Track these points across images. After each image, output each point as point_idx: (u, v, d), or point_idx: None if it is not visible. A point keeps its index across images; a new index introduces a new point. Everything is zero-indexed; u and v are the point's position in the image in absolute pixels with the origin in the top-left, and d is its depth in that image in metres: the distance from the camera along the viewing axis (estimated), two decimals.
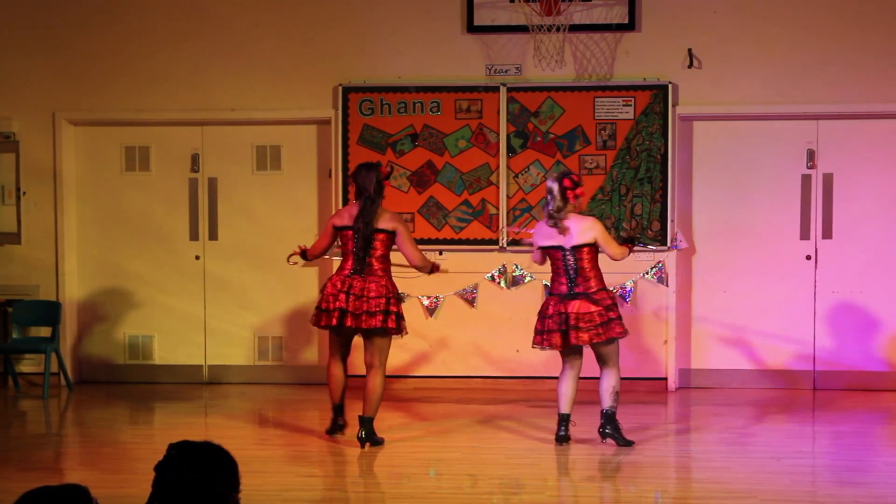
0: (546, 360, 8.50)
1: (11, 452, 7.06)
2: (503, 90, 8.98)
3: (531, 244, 7.22)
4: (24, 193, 9.40)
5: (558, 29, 8.77)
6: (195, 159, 9.42)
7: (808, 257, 9.05)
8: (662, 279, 8.93)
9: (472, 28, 9.01)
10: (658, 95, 8.87)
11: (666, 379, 9.03)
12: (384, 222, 6.94)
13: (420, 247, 8.97)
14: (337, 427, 7.19)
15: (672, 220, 8.89)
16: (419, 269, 7.19)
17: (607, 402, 6.92)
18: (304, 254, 7.30)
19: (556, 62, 8.84)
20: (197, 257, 9.45)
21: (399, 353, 9.08)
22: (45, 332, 9.18)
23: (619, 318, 6.88)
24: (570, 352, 6.96)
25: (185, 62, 9.25)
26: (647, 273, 8.93)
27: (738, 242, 9.08)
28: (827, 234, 9.04)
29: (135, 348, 9.52)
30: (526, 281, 8.92)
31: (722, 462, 6.63)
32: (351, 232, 6.94)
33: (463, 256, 9.06)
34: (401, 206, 9.01)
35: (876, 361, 9.00)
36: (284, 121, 9.24)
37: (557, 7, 8.76)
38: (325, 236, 7.20)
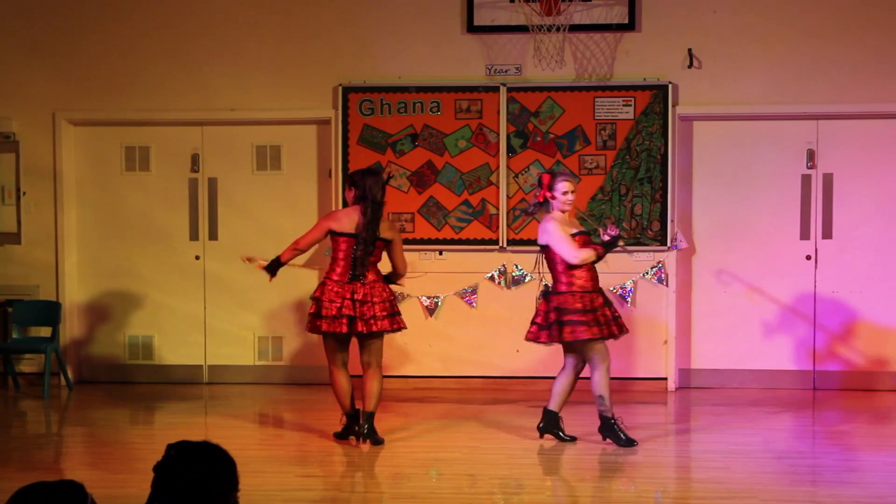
0: (546, 360, 8.50)
1: (11, 452, 7.06)
2: (503, 90, 8.98)
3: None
4: (24, 193, 9.40)
5: (558, 29, 8.77)
6: (195, 159, 9.42)
7: (808, 257, 9.05)
8: (662, 279, 8.94)
9: (472, 28, 9.01)
10: (658, 95, 8.87)
11: (666, 379, 9.03)
12: (384, 231, 7.00)
13: (420, 247, 9.08)
14: (355, 433, 7.09)
15: (672, 220, 8.89)
16: (400, 276, 7.25)
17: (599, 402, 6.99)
18: (274, 266, 7.06)
19: (556, 62, 8.84)
20: (197, 257, 9.45)
21: (399, 353, 9.09)
22: (45, 332, 9.18)
23: (570, 322, 6.79)
24: (565, 349, 7.07)
25: (185, 62, 9.25)
26: (647, 273, 8.93)
27: (738, 242, 9.08)
28: (827, 234, 9.04)
29: (135, 348, 9.52)
30: (526, 281, 8.93)
31: (722, 462, 6.63)
32: (352, 239, 6.93)
33: (463, 256, 9.07)
34: (401, 207, 9.03)
35: (876, 361, 9.00)
36: (284, 121, 9.24)
37: (557, 7, 8.75)
38: (316, 238, 7.07)
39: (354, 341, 7.08)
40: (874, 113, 8.88)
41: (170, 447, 3.05)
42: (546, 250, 6.92)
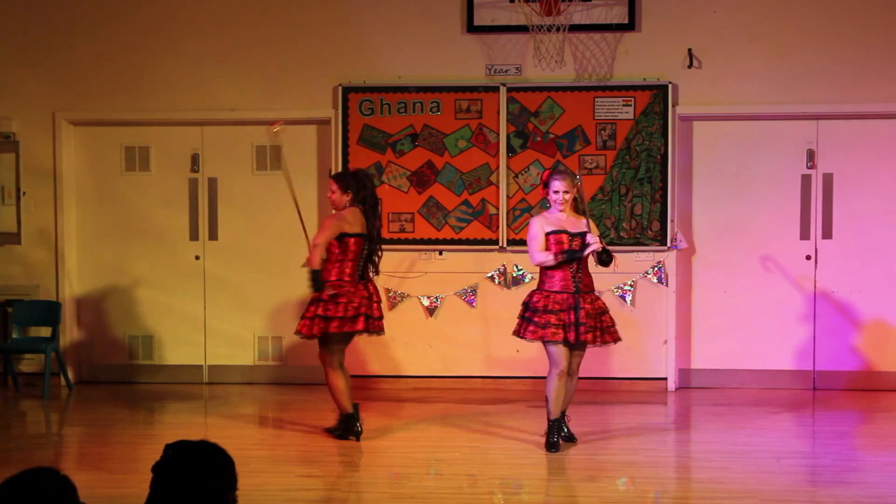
0: (546, 360, 8.48)
1: (11, 452, 7.06)
2: (503, 90, 8.98)
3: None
4: (24, 193, 9.40)
5: (558, 29, 8.77)
6: (195, 159, 9.42)
7: (808, 257, 9.05)
8: (662, 279, 8.93)
9: (472, 28, 9.01)
10: (658, 95, 8.87)
11: (666, 379, 9.03)
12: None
13: (420, 247, 9.09)
14: (355, 433, 7.14)
15: (672, 220, 8.89)
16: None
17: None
18: (316, 279, 6.97)
19: (556, 62, 8.84)
20: (197, 257, 9.45)
21: (399, 353, 9.09)
22: (45, 332, 9.18)
23: (525, 319, 6.91)
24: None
25: (185, 62, 9.26)
26: (647, 273, 8.93)
27: (738, 242, 9.08)
28: (827, 234, 9.03)
29: (135, 348, 9.52)
30: (526, 281, 8.93)
31: (722, 462, 6.63)
32: (361, 239, 7.01)
33: (463, 256, 9.07)
34: (401, 207, 9.03)
35: (876, 361, 9.00)
36: (284, 121, 9.22)
37: (557, 7, 8.75)
38: (331, 236, 7.00)
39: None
40: (874, 113, 8.88)
41: (168, 447, 3.06)
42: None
